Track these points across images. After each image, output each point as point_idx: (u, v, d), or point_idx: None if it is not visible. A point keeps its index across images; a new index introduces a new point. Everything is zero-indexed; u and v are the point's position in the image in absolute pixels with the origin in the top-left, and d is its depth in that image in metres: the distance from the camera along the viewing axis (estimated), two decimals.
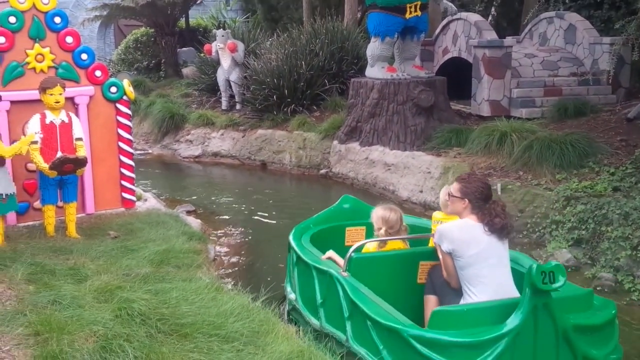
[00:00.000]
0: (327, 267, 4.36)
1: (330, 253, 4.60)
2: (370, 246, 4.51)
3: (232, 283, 5.71)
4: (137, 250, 5.31)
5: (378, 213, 4.54)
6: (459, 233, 3.87)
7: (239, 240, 7.09)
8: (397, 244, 4.52)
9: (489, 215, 3.87)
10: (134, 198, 6.78)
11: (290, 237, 5.03)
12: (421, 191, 8.10)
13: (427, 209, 7.96)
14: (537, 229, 6.64)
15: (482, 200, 3.91)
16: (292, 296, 4.86)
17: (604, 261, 5.79)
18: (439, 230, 3.98)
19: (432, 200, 7.90)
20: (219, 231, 7.35)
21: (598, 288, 5.48)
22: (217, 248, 6.62)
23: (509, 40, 10.20)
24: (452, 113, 9.73)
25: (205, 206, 8.52)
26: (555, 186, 6.83)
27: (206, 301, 4.21)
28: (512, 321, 3.39)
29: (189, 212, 7.72)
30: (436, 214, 4.50)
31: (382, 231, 4.46)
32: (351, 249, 4.28)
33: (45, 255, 5.08)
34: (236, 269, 6.20)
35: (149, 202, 7.17)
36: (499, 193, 7.07)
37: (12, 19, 5.95)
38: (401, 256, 4.43)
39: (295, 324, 4.66)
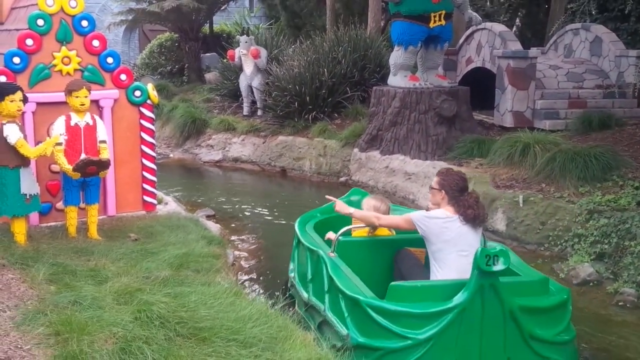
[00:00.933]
0: (316, 248, 4.89)
1: (330, 234, 5.04)
2: (359, 232, 5.04)
3: (251, 288, 5.72)
4: (157, 253, 5.33)
5: (370, 202, 5.10)
6: (434, 223, 4.33)
7: (257, 246, 7.10)
8: (384, 231, 5.02)
9: (463, 207, 4.31)
10: (155, 201, 6.81)
11: (296, 223, 5.58)
12: None
13: None
14: (559, 242, 6.56)
15: (458, 192, 4.37)
16: (291, 274, 5.47)
17: (627, 276, 5.71)
18: (417, 218, 4.42)
19: None
20: (238, 236, 7.36)
21: (620, 303, 5.41)
22: (236, 253, 6.63)
23: (533, 51, 10.14)
24: (474, 123, 9.68)
25: (225, 211, 8.55)
26: (578, 199, 6.75)
27: (225, 306, 4.21)
28: (459, 298, 3.83)
29: (208, 217, 7.75)
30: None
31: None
32: (339, 232, 4.79)
33: (67, 256, 5.12)
34: (255, 274, 6.21)
35: (170, 205, 7.20)
36: (521, 205, 7.01)
37: (40, 22, 6.02)
38: (385, 242, 4.95)
39: (292, 299, 5.30)
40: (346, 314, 4.21)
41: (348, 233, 4.95)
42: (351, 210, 4.93)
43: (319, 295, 4.69)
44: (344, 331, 4.18)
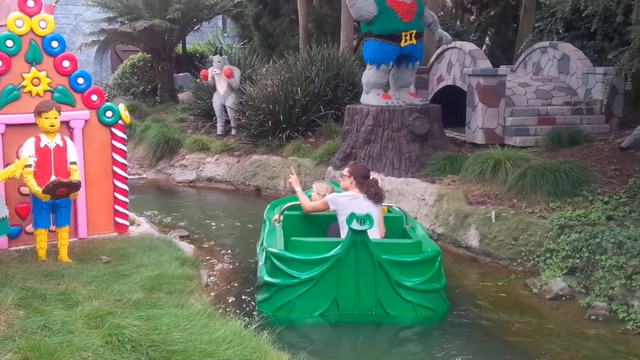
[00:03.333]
0: (267, 218, 6.50)
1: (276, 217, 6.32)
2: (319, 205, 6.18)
3: (225, 309, 5.67)
4: (129, 276, 5.26)
5: (319, 185, 6.57)
6: (342, 200, 5.79)
7: (232, 266, 7.04)
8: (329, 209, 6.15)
9: (367, 187, 5.80)
10: (127, 223, 6.75)
11: (268, 206, 7.04)
12: (416, 218, 8.09)
13: None
14: (531, 257, 6.63)
15: (363, 178, 5.88)
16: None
17: (598, 290, 5.77)
18: (330, 197, 5.91)
19: (426, 227, 7.88)
20: (212, 256, 7.30)
21: (592, 317, 5.46)
22: (210, 274, 6.57)
23: (503, 69, 10.31)
24: (446, 140, 9.77)
25: (199, 231, 8.48)
26: (549, 214, 6.84)
27: (198, 328, 4.17)
28: (336, 250, 5.17)
29: (182, 237, 7.69)
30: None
31: (319, 197, 6.26)
32: (283, 207, 6.31)
33: (36, 279, 5.03)
34: (229, 294, 6.15)
35: (142, 226, 7.13)
36: (494, 221, 7.08)
37: (9, 43, 5.97)
38: (322, 216, 6.17)
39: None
40: (262, 262, 5.70)
41: (301, 209, 6.26)
42: (298, 189, 6.22)
43: (261, 254, 6.05)
44: (259, 273, 5.67)
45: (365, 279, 5.19)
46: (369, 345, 5.23)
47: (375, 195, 5.77)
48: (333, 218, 5.99)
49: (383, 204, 6.10)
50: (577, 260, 6.19)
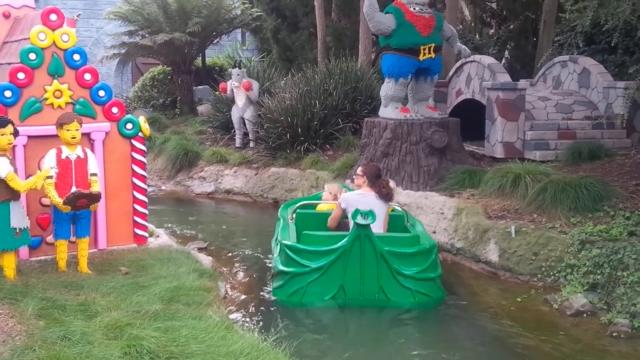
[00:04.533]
0: (281, 216, 7.21)
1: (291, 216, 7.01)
2: (322, 207, 7.09)
3: (242, 321, 5.66)
4: (147, 287, 5.28)
5: (330, 186, 7.48)
6: (352, 199, 6.37)
7: (249, 278, 7.04)
8: (334, 207, 6.81)
9: (378, 187, 6.37)
10: (146, 234, 6.78)
11: (281, 207, 7.93)
12: (434, 232, 8.05)
13: (440, 250, 7.89)
14: (551, 273, 6.56)
15: (375, 177, 6.42)
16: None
17: (620, 307, 5.69)
18: (342, 197, 6.55)
19: (445, 241, 7.84)
20: (230, 268, 7.31)
21: (614, 334, 5.38)
22: (228, 286, 6.58)
23: (522, 83, 10.24)
24: (465, 154, 9.73)
25: (217, 243, 8.50)
26: (570, 229, 6.76)
27: (216, 340, 4.17)
28: (342, 242, 5.82)
29: (200, 249, 7.71)
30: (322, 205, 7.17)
31: (331, 197, 7.08)
32: (296, 206, 7.11)
33: (56, 290, 5.06)
34: (247, 307, 6.15)
35: (161, 238, 7.16)
36: (514, 235, 7.01)
37: (32, 56, 6.05)
38: (329, 214, 6.74)
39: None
40: (276, 254, 6.40)
41: (313, 207, 7.15)
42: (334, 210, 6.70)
43: (276, 247, 6.73)
44: (274, 263, 6.39)
45: (369, 268, 5.87)
46: (372, 326, 5.90)
47: (387, 195, 6.38)
48: (343, 217, 6.60)
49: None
50: (599, 276, 6.10)
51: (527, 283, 6.72)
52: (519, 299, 6.31)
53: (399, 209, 7.01)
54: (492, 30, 18.91)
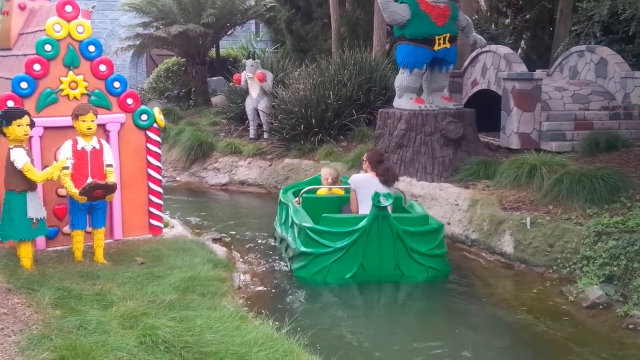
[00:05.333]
0: (287, 201, 7.42)
1: (297, 199, 7.40)
2: (322, 191, 7.60)
3: (257, 312, 5.68)
4: (163, 277, 5.31)
5: (325, 170, 7.93)
6: (360, 180, 6.88)
7: (263, 269, 7.06)
8: (336, 191, 7.56)
9: (379, 171, 6.80)
10: (161, 225, 6.81)
11: (281, 191, 8.24)
12: (449, 223, 8.02)
13: (455, 241, 7.87)
14: (567, 265, 6.51)
15: (376, 163, 6.88)
16: (275, 224, 7.89)
17: (637, 298, 5.63)
18: (351, 178, 7.01)
19: (460, 232, 7.81)
20: (244, 259, 7.33)
21: (630, 326, 5.34)
22: (242, 276, 6.60)
23: (538, 73, 10.16)
24: (480, 145, 9.67)
25: (231, 234, 8.53)
26: (586, 221, 6.71)
27: (230, 330, 4.19)
28: (362, 223, 6.26)
29: (214, 240, 7.74)
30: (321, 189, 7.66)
31: (328, 182, 7.63)
32: (302, 191, 7.42)
33: (73, 280, 5.11)
34: (261, 297, 6.17)
35: (176, 229, 7.20)
36: (529, 227, 6.97)
37: (47, 47, 6.08)
38: (336, 198, 7.42)
39: (275, 240, 7.82)
40: (296, 236, 6.70)
41: (314, 192, 7.57)
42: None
43: (286, 230, 7.17)
44: (294, 246, 6.69)
45: (386, 247, 6.34)
46: (390, 299, 6.39)
47: (387, 180, 6.80)
48: (344, 200, 7.24)
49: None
50: (615, 268, 6.05)
51: (543, 275, 6.68)
52: (534, 291, 6.28)
53: (397, 190, 7.28)
54: (508, 20, 18.75)
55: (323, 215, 6.59)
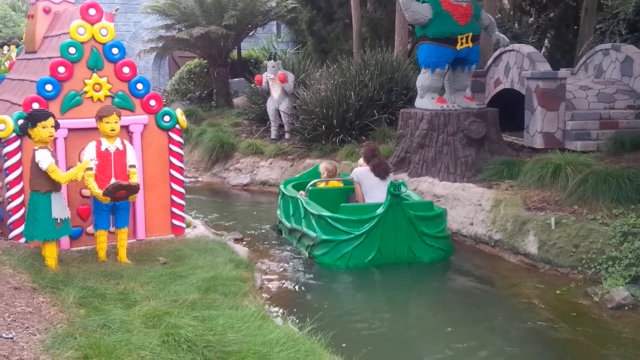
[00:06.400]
0: (296, 195, 7.91)
1: (301, 192, 7.99)
2: (321, 184, 8.29)
3: (278, 312, 5.69)
4: (185, 277, 5.34)
5: (322, 165, 8.70)
6: (360, 173, 7.68)
7: (285, 269, 7.07)
8: (335, 183, 8.36)
9: (372, 166, 7.56)
10: (183, 225, 6.85)
11: (281, 184, 8.83)
12: (472, 224, 7.96)
13: (478, 242, 7.81)
14: (592, 265, 6.42)
15: (370, 157, 7.66)
16: (279, 216, 8.44)
17: None
18: (353, 172, 7.81)
19: (483, 232, 7.75)
20: (266, 259, 7.35)
21: None
22: (264, 276, 6.61)
23: (562, 72, 10.04)
24: (504, 145, 9.58)
25: (253, 234, 8.56)
26: (612, 221, 6.61)
27: (252, 329, 4.19)
28: (380, 210, 6.86)
29: (236, 240, 7.77)
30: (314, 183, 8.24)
31: (324, 175, 8.42)
32: (308, 185, 8.02)
33: (96, 279, 5.16)
34: (282, 297, 6.18)
35: (198, 229, 7.23)
36: (554, 227, 6.89)
37: (72, 50, 6.15)
38: (340, 190, 8.23)
39: (280, 232, 8.39)
40: (315, 226, 7.19)
41: (315, 185, 8.17)
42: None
43: (298, 221, 7.67)
44: (314, 235, 7.17)
45: (400, 231, 6.92)
46: (419, 302, 6.55)
47: (380, 173, 7.52)
48: (348, 191, 8.07)
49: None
50: None
51: (567, 275, 6.60)
52: (558, 292, 6.21)
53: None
54: (532, 19, 18.55)
55: (342, 205, 7.23)
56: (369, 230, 6.83)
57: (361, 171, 7.64)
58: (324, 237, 7.05)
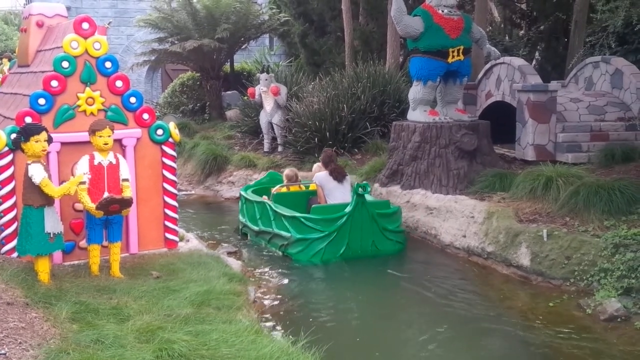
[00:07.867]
0: (261, 200, 8.50)
1: (264, 197, 8.63)
2: (282, 189, 8.75)
3: (272, 326, 5.68)
4: (178, 291, 5.33)
5: (284, 172, 9.18)
6: (322, 177, 8.28)
7: (279, 283, 7.06)
8: (295, 187, 8.85)
9: (330, 170, 8.24)
10: (176, 238, 6.84)
11: (241, 190, 9.45)
12: (464, 236, 7.98)
13: (470, 254, 7.83)
14: (584, 277, 6.45)
15: (327, 162, 8.34)
16: (242, 220, 8.98)
17: None
18: (315, 177, 8.39)
19: (476, 245, 7.77)
20: (260, 273, 7.34)
21: None
22: (258, 290, 6.60)
23: (553, 84, 10.12)
24: (495, 157, 9.63)
25: (246, 247, 8.55)
26: (603, 233, 6.64)
27: (246, 344, 4.19)
28: (347, 209, 7.53)
29: (230, 253, 7.76)
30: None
31: (286, 181, 8.89)
32: (273, 190, 8.61)
33: (89, 294, 5.14)
34: (276, 311, 6.17)
35: (191, 242, 7.22)
36: (546, 239, 6.92)
37: (65, 64, 6.16)
38: (303, 193, 8.78)
39: (245, 235, 8.92)
40: (289, 226, 7.81)
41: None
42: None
43: (267, 224, 8.26)
44: (287, 235, 7.81)
45: (365, 227, 7.63)
46: (371, 270, 7.53)
47: (337, 176, 8.23)
48: (308, 194, 8.65)
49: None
50: (633, 281, 5.99)
51: (560, 287, 6.62)
52: (551, 304, 6.23)
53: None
54: (522, 32, 18.70)
55: (313, 206, 7.96)
56: (339, 228, 7.53)
57: (322, 175, 8.28)
58: (299, 236, 7.69)
